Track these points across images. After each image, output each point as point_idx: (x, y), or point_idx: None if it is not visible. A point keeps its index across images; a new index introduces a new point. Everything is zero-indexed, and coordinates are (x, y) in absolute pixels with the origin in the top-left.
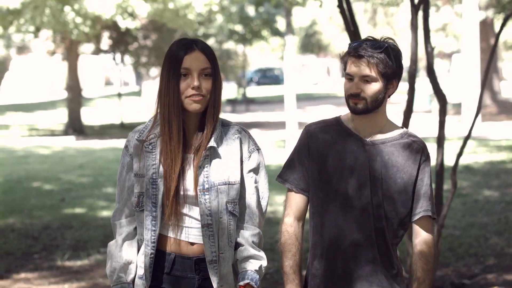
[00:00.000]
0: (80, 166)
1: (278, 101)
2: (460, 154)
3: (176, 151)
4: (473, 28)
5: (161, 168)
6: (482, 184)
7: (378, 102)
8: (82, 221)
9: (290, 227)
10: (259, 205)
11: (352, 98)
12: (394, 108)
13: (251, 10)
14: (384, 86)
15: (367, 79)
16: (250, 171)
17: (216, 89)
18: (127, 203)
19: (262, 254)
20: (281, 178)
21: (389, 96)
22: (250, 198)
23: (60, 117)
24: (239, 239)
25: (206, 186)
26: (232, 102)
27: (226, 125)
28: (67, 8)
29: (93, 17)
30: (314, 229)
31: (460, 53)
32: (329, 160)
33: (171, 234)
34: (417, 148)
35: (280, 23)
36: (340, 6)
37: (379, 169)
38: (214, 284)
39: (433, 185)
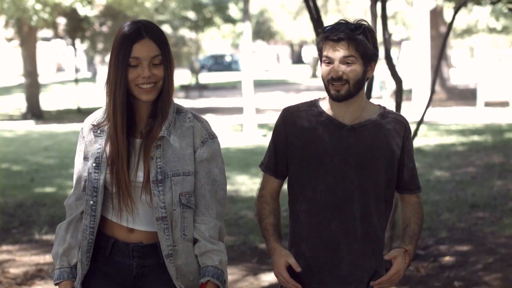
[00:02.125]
0: (45, 148)
1: (230, 87)
2: (415, 132)
3: (120, 137)
4: (423, 16)
5: (104, 153)
6: (434, 165)
7: (360, 85)
8: (54, 199)
9: (261, 197)
10: (215, 195)
11: (333, 83)
12: None
13: None
14: (364, 68)
15: (348, 61)
16: (203, 160)
17: (169, 75)
18: (78, 186)
19: (219, 247)
20: (264, 166)
21: (367, 79)
22: (205, 189)
23: (16, 102)
24: (195, 234)
25: (160, 177)
26: (185, 88)
27: (180, 111)
28: None
29: (52, 4)
30: (293, 216)
31: (409, 41)
32: (310, 146)
33: (113, 219)
34: (399, 125)
35: (232, 10)
36: None
37: (364, 153)
38: (173, 279)
39: None
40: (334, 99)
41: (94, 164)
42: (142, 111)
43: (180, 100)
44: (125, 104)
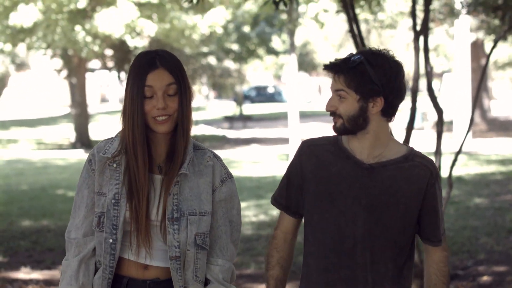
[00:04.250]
0: None
1: (273, 118)
2: (454, 161)
3: (141, 171)
4: (464, 49)
5: (124, 189)
6: (473, 193)
7: (358, 121)
8: None
9: (274, 239)
10: (231, 236)
11: (331, 116)
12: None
13: (247, 29)
14: (360, 104)
15: (339, 95)
16: (222, 200)
17: (185, 106)
18: (85, 220)
19: None
20: (273, 198)
21: (385, 116)
22: (221, 230)
23: (63, 131)
24: (208, 275)
25: (176, 215)
26: (229, 119)
27: (198, 148)
28: (77, 27)
29: (102, 36)
30: (304, 258)
31: (450, 73)
32: (323, 183)
33: (129, 257)
34: (424, 170)
35: (275, 42)
36: (351, 31)
37: (379, 196)
38: None
39: None
40: (333, 130)
41: (113, 201)
42: (159, 145)
43: (224, 130)
44: (145, 136)
